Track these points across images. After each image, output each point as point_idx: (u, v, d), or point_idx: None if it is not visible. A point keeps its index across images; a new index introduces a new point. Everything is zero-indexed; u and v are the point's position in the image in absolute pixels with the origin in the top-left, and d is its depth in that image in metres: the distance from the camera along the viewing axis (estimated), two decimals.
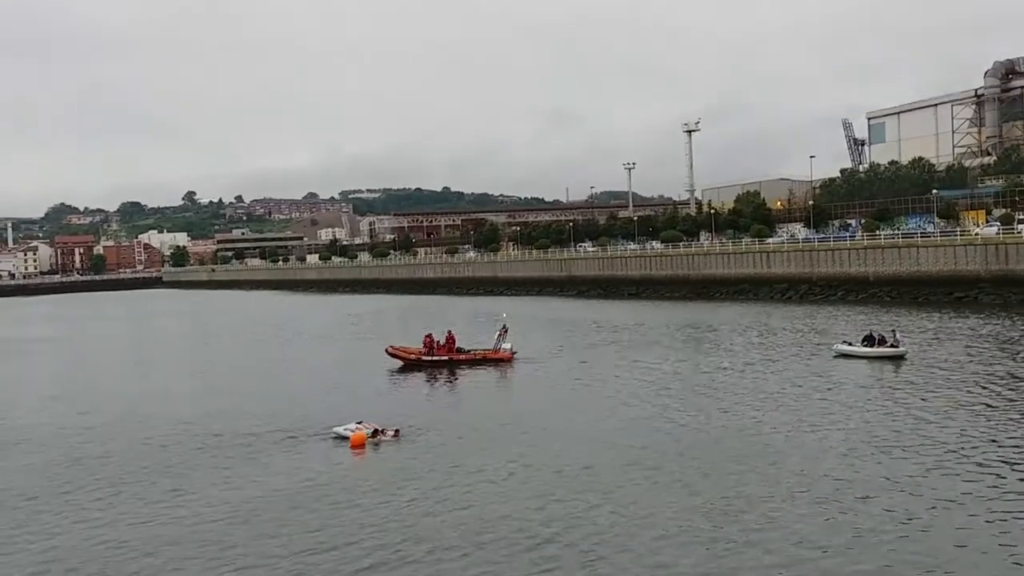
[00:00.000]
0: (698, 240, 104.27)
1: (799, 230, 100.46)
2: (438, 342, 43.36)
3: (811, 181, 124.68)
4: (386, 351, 43.92)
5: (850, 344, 39.16)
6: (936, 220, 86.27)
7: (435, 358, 42.49)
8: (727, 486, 19.71)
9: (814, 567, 15.09)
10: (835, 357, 38.24)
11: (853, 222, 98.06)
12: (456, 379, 38.93)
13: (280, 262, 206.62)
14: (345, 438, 26.02)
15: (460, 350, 43.17)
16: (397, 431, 26.60)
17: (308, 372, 43.48)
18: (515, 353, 42.69)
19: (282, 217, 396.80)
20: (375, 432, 26.32)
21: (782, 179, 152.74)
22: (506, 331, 43.72)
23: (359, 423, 26.86)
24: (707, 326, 54.66)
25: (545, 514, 18.35)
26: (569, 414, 28.93)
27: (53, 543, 18.03)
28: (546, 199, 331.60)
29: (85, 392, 40.64)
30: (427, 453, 24.43)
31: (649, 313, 66.78)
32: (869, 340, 38.27)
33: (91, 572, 16.25)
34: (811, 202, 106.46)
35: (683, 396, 31.05)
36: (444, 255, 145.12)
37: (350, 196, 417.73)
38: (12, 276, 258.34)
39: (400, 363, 42.80)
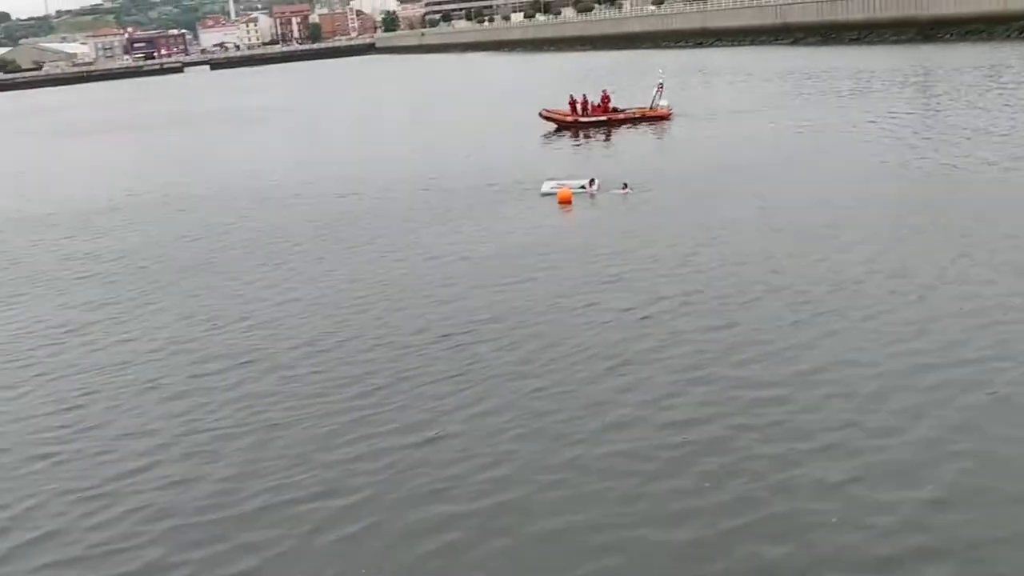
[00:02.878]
0: None
1: None
2: (592, 103, 42.78)
3: None
4: (539, 114, 43.41)
5: None
6: None
7: (592, 119, 42.12)
8: (988, 247, 17.69)
9: None
10: None
11: None
12: (625, 138, 38.76)
13: (486, 22, 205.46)
14: (552, 194, 26.28)
15: (616, 109, 42.57)
16: (597, 184, 26.74)
17: (505, 133, 44.48)
18: (672, 110, 41.84)
19: None
20: (591, 181, 26.69)
21: None
22: (663, 87, 42.70)
23: (586, 180, 27.04)
24: (943, 70, 50.32)
25: (792, 272, 17.39)
26: (780, 168, 28.00)
27: (310, 291, 19.71)
28: None
29: (318, 157, 43.60)
30: (641, 208, 24.57)
31: (872, 59, 62.38)
32: None
33: (325, 325, 17.03)
34: None
35: (921, 146, 29.06)
36: (650, 6, 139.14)
37: None
38: (238, 48, 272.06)
39: (554, 126, 42.66)
